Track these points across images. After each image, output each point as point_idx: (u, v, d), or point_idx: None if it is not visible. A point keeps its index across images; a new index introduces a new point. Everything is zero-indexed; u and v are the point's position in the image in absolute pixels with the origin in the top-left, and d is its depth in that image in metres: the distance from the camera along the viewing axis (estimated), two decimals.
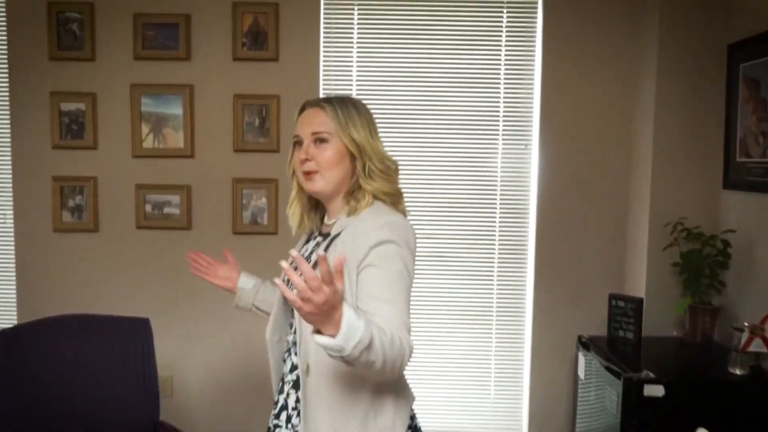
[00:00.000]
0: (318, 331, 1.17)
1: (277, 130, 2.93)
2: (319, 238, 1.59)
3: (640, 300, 2.63)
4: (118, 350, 2.31)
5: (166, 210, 2.97)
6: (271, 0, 2.89)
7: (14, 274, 3.02)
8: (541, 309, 2.99)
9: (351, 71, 2.98)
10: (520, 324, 3.06)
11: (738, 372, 2.21)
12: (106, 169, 2.97)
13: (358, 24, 2.96)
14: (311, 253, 1.56)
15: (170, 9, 2.90)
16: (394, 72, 2.97)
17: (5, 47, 2.94)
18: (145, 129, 2.94)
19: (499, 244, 3.03)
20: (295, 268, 1.14)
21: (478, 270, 3.04)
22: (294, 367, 1.54)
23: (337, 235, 1.48)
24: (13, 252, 3.01)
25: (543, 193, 2.96)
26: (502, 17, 2.95)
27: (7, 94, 2.95)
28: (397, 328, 1.30)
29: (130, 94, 2.92)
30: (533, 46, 2.95)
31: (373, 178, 1.50)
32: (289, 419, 1.53)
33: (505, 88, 2.97)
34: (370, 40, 2.97)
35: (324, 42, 2.96)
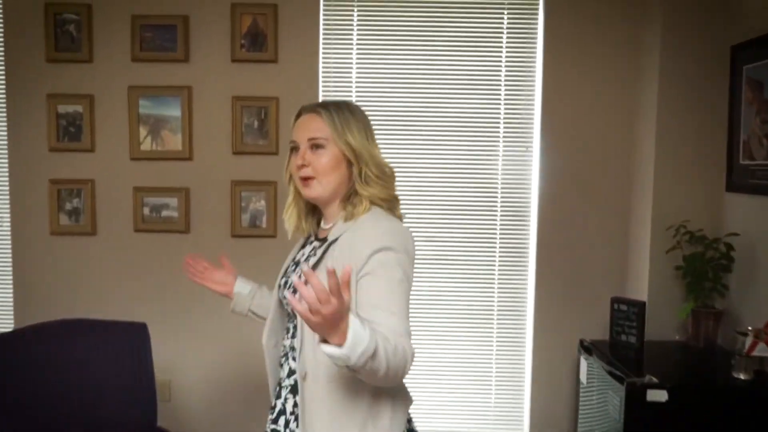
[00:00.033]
0: (324, 341, 1.19)
1: (276, 132, 2.91)
2: (315, 243, 1.59)
3: (643, 304, 2.61)
4: (116, 356, 2.30)
5: (165, 213, 2.95)
6: (270, 1, 2.87)
7: (11, 277, 3.00)
8: (543, 312, 2.97)
9: (350, 73, 2.96)
10: (521, 328, 3.04)
11: (742, 377, 2.18)
12: (103, 172, 2.95)
13: (358, 25, 2.94)
14: (308, 257, 1.56)
15: (168, 10, 2.88)
16: (393, 73, 2.95)
17: (2, 49, 2.92)
18: (143, 131, 2.92)
19: (500, 247, 3.01)
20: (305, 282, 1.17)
21: (479, 273, 3.02)
22: (291, 372, 1.54)
23: (335, 240, 1.48)
24: (10, 255, 2.99)
25: (544, 196, 2.93)
26: (502, 18, 2.93)
27: (3, 96, 2.93)
28: (399, 336, 1.31)
29: (128, 95, 2.90)
30: (534, 47, 2.93)
31: (370, 183, 1.50)
32: (287, 424, 1.53)
33: (506, 90, 2.95)
34: (370, 41, 2.95)
35: (323, 43, 2.94)
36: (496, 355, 3.04)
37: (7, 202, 2.96)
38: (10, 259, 2.99)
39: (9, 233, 2.98)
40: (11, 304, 3.00)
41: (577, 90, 2.90)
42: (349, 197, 1.52)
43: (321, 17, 2.92)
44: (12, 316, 2.99)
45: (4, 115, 2.93)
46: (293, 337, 1.52)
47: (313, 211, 1.63)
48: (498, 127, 2.96)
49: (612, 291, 2.85)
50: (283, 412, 1.55)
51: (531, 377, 3.00)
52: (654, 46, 2.74)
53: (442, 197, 2.98)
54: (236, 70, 2.91)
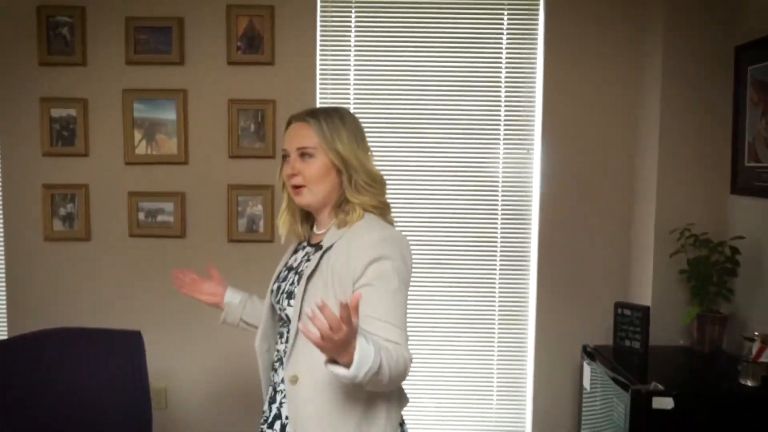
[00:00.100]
0: (331, 360, 1.27)
1: (273, 135, 2.87)
2: (309, 248, 1.61)
3: (647, 308, 2.57)
4: (110, 365, 2.25)
5: (160, 218, 2.91)
6: (266, 3, 2.83)
7: (4, 284, 2.96)
8: (545, 317, 2.93)
9: (348, 75, 2.91)
10: (523, 332, 3.00)
11: (749, 383, 2.14)
12: (97, 177, 2.91)
13: (356, 26, 2.90)
14: (300, 262, 1.59)
15: (163, 12, 2.84)
16: (392, 74, 2.90)
17: None
18: (137, 135, 2.88)
19: (501, 251, 2.97)
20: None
21: (480, 277, 2.98)
22: None
23: (330, 247, 1.50)
24: (3, 262, 2.95)
25: (545, 199, 2.90)
26: (502, 19, 2.89)
27: None
28: (398, 346, 1.37)
29: (123, 99, 2.86)
30: (534, 47, 2.90)
31: (360, 191, 1.52)
32: (283, 428, 1.54)
33: (506, 91, 2.92)
34: (368, 42, 2.91)
35: (321, 45, 2.89)
36: (498, 360, 3.00)
37: (0, 207, 2.91)
38: (3, 266, 2.95)
39: (2, 239, 2.94)
40: (4, 310, 2.96)
41: (578, 91, 2.86)
42: (341, 204, 1.54)
43: (318, 18, 2.88)
44: (5, 323, 2.95)
45: None
46: (286, 342, 1.54)
47: (308, 216, 1.66)
48: (498, 129, 2.93)
49: (615, 295, 2.82)
50: (278, 416, 1.56)
51: (533, 383, 2.96)
52: (656, 47, 2.70)
53: (442, 200, 2.93)
54: (232, 72, 2.87)
